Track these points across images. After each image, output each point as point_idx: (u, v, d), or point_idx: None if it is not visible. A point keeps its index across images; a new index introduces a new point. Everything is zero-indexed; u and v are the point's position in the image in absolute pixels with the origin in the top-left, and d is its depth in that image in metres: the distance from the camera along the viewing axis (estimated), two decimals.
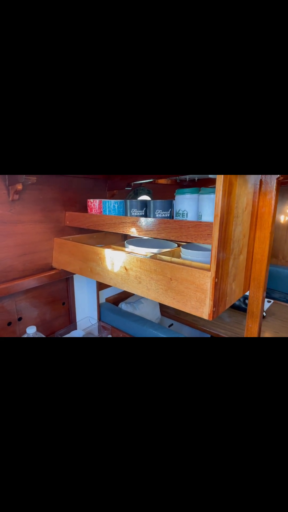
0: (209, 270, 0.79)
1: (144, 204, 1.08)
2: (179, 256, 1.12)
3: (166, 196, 2.03)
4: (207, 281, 0.79)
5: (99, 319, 1.80)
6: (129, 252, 1.03)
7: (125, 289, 1.04)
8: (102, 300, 1.88)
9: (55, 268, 1.38)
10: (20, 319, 1.36)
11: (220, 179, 0.72)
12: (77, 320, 1.71)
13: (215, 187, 0.85)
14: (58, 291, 1.52)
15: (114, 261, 1.06)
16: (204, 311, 0.81)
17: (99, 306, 1.81)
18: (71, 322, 1.69)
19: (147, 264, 0.94)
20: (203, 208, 0.87)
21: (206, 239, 0.82)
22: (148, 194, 1.77)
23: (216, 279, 0.78)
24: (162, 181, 1.83)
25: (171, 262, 0.95)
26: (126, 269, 1.02)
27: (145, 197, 1.79)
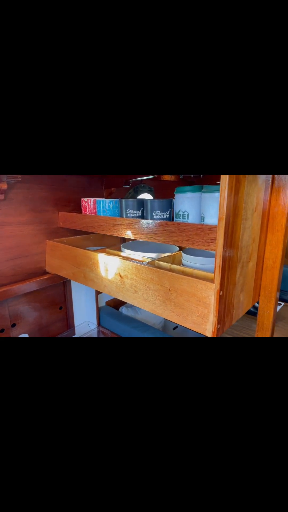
0: (213, 281, 0.69)
1: (141, 204, 0.97)
2: (180, 262, 1.01)
3: (169, 194, 1.90)
4: (210, 294, 0.68)
5: (99, 324, 1.71)
6: (124, 258, 0.93)
7: (120, 298, 0.94)
8: (102, 304, 1.79)
9: (49, 273, 1.29)
10: (14, 325, 1.29)
11: (225, 175, 0.60)
12: (75, 325, 1.63)
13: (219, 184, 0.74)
14: (55, 295, 1.44)
15: (108, 267, 0.96)
16: (207, 328, 0.71)
17: (99, 310, 1.72)
18: (69, 327, 1.61)
19: (143, 272, 0.84)
20: (206, 209, 0.75)
21: (210, 245, 0.70)
22: (149, 192, 1.65)
23: (221, 292, 0.67)
24: (165, 177, 1.71)
25: (169, 270, 0.84)
26: (121, 276, 0.92)
27: (146, 196, 1.67)
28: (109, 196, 1.43)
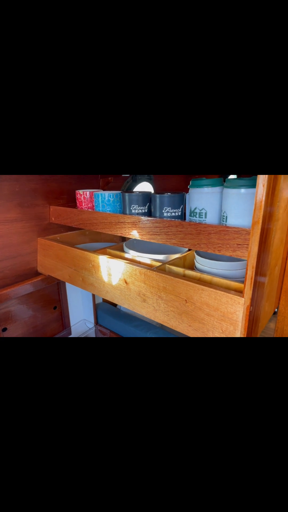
0: (240, 293, 0.58)
1: (148, 198, 0.84)
2: (191, 262, 0.91)
3: (169, 181, 1.76)
4: (238, 309, 0.58)
5: (96, 322, 1.61)
6: (129, 262, 0.81)
7: (126, 306, 0.83)
8: (99, 300, 1.68)
9: (41, 274, 1.17)
10: (4, 329, 1.17)
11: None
12: (71, 325, 1.53)
13: (245, 177, 0.62)
14: (48, 295, 1.32)
15: (111, 271, 0.84)
16: None
17: (96, 307, 1.61)
18: (65, 328, 1.51)
19: (153, 279, 0.73)
20: (230, 207, 0.64)
21: (235, 251, 0.60)
22: (148, 180, 1.51)
23: (251, 308, 0.57)
24: None
25: (184, 276, 0.73)
26: (126, 282, 0.81)
27: (145, 185, 1.53)
28: (106, 186, 1.29)
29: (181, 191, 0.81)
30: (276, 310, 0.85)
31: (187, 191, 0.81)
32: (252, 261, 0.54)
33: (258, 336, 0.69)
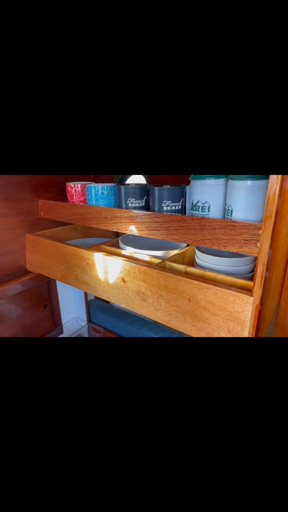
0: (246, 290, 0.56)
1: (145, 191, 0.79)
2: (191, 258, 0.87)
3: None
4: (246, 308, 0.55)
5: (89, 320, 1.56)
6: (126, 259, 0.76)
7: (124, 305, 0.79)
8: (92, 297, 1.63)
9: (31, 272, 1.10)
10: None
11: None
12: (63, 323, 1.48)
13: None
14: (38, 293, 1.26)
15: (108, 269, 0.79)
16: None
17: (88, 304, 1.56)
18: (57, 326, 1.45)
19: (154, 277, 0.69)
20: (235, 201, 0.60)
21: (242, 247, 0.56)
22: None
23: (261, 306, 0.55)
24: None
25: (186, 274, 0.70)
26: (124, 281, 0.76)
27: (137, 176, 1.48)
28: (97, 178, 1.23)
29: (174, 183, 0.77)
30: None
31: (180, 182, 0.77)
32: (263, 258, 0.51)
33: (264, 334, 0.67)
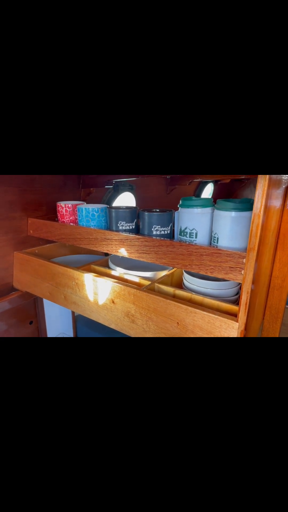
0: (234, 317, 0.58)
1: (135, 215, 0.82)
2: (179, 279, 0.90)
3: (150, 191, 1.75)
4: (232, 333, 0.58)
5: (75, 335, 1.55)
6: (116, 280, 0.78)
7: (113, 327, 0.80)
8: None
9: (18, 290, 1.09)
10: None
11: (261, 190, 0.49)
12: None
13: (235, 200, 0.63)
14: (24, 309, 1.24)
15: (97, 290, 0.80)
16: None
17: (75, 319, 1.55)
18: None
19: (143, 300, 0.71)
20: (221, 229, 0.64)
21: (228, 273, 0.60)
22: (130, 190, 1.49)
23: (245, 332, 0.57)
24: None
25: (174, 297, 0.72)
26: (113, 302, 0.78)
27: (126, 195, 1.51)
28: (87, 197, 1.25)
29: (161, 199, 0.80)
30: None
31: (167, 199, 0.80)
32: (247, 286, 0.54)
33: None
